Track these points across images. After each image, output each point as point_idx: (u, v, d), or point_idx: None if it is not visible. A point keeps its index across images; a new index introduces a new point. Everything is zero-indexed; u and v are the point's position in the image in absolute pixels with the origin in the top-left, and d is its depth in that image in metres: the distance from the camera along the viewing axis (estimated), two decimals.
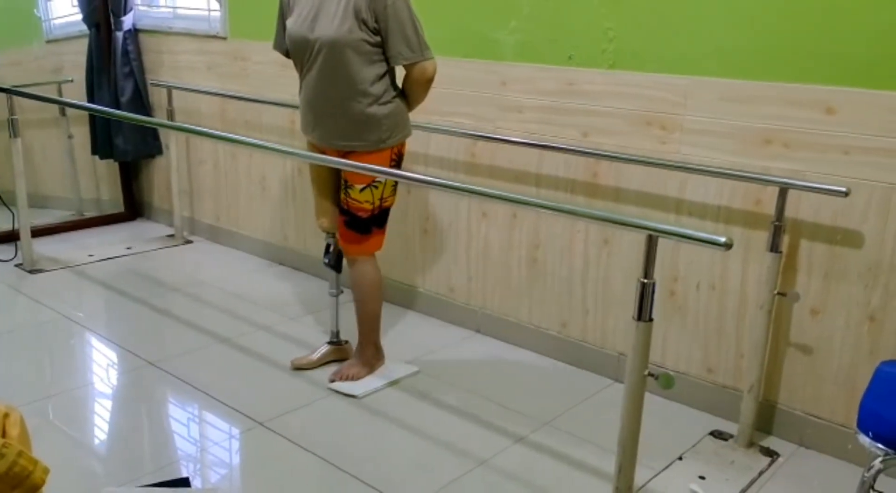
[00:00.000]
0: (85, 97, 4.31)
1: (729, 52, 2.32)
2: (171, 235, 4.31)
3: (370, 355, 2.73)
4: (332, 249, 2.71)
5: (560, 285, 2.87)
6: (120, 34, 4.17)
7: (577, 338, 2.86)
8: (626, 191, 2.62)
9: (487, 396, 2.64)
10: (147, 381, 2.71)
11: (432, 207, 3.19)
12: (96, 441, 2.35)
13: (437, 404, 2.59)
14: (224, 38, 3.87)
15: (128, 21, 4.18)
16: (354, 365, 2.71)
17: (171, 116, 4.08)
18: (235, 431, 2.41)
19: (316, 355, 2.81)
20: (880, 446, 1.45)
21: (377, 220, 2.55)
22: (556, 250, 2.85)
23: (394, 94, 2.44)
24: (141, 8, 4.29)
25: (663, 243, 1.64)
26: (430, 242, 3.24)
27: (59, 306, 3.32)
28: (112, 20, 4.17)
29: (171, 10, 4.21)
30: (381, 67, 2.38)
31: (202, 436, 2.40)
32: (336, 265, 2.73)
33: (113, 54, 4.21)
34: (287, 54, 2.56)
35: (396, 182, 2.56)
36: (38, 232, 4.01)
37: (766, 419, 2.44)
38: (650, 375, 1.65)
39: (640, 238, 1.65)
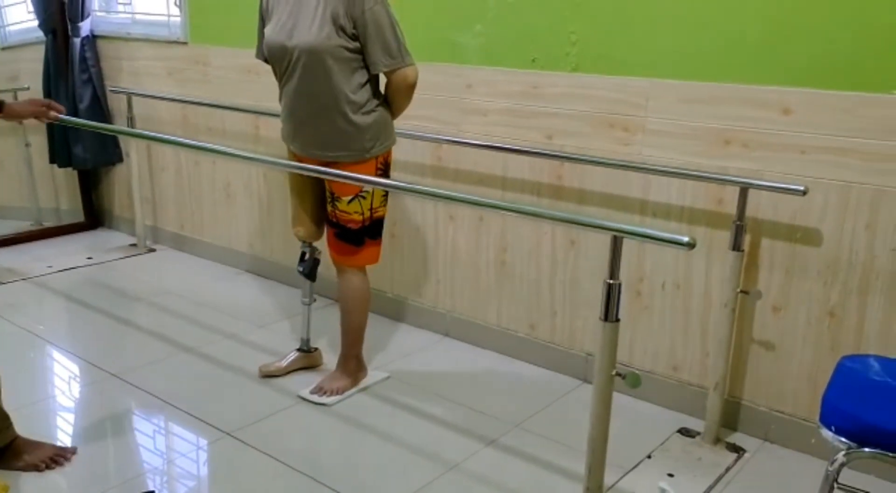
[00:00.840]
0: None
1: (688, 54, 2.36)
2: (134, 244, 4.24)
3: (353, 367, 2.68)
4: (307, 257, 2.68)
5: (528, 287, 2.88)
6: (77, 40, 4.10)
7: (545, 340, 2.88)
8: (591, 192, 2.65)
9: (457, 399, 2.63)
10: (110, 393, 2.66)
11: (400, 212, 3.18)
12: None
13: (408, 409, 2.58)
14: (185, 44, 3.82)
15: (85, 27, 4.11)
16: (337, 378, 2.65)
17: (131, 122, 4.02)
18: (203, 442, 2.38)
19: (285, 362, 2.78)
20: (843, 440, 1.48)
21: (370, 231, 2.50)
22: (523, 253, 2.86)
23: (377, 102, 2.39)
24: (99, 14, 4.22)
25: (628, 244, 1.65)
26: (398, 247, 3.23)
27: (17, 318, 3.24)
28: (69, 26, 4.09)
29: (129, 15, 4.15)
30: (362, 75, 2.33)
31: (168, 448, 2.37)
32: (310, 274, 2.70)
33: (70, 61, 4.13)
34: (268, 62, 2.49)
35: (387, 192, 2.51)
36: None
37: (732, 416, 2.47)
38: (618, 374, 1.67)
39: (605, 239, 1.67)
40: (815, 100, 2.16)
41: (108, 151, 4.32)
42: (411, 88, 2.38)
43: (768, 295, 2.34)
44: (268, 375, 2.75)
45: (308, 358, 2.82)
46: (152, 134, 3.32)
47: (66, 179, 4.49)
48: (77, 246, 4.24)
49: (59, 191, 4.55)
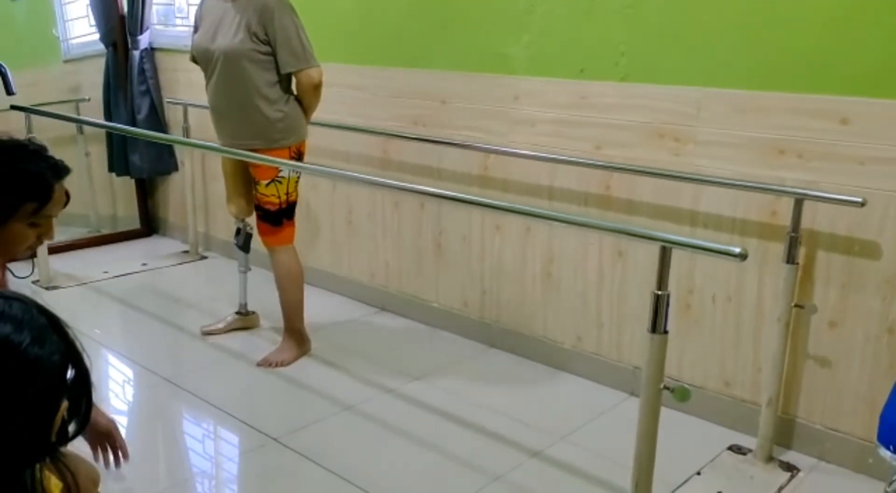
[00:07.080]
0: (102, 115, 4.37)
1: (741, 63, 2.32)
2: (186, 251, 4.34)
3: (296, 340, 2.95)
4: (241, 232, 3.06)
5: (574, 299, 2.85)
6: (137, 53, 4.23)
7: (592, 352, 2.85)
8: (640, 203, 2.61)
9: (502, 410, 2.62)
10: (162, 397, 2.72)
11: (445, 222, 3.19)
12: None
13: (452, 418, 2.58)
14: None
15: (144, 40, 4.23)
16: (282, 351, 2.92)
17: (186, 133, 4.12)
18: (250, 446, 2.41)
19: (223, 324, 3.19)
20: None
21: (286, 212, 2.83)
22: (570, 264, 2.84)
23: (287, 98, 2.71)
24: (157, 27, 4.35)
25: (678, 256, 1.63)
26: (444, 257, 3.24)
27: (74, 322, 3.28)
28: (129, 39, 4.23)
29: (187, 28, 4.26)
30: (273, 75, 2.66)
31: (217, 452, 2.41)
32: (244, 246, 3.10)
33: (129, 73, 4.26)
34: (196, 62, 2.81)
35: (298, 178, 2.84)
36: (54, 249, 4.03)
37: (786, 433, 2.41)
38: (666, 388, 1.64)
39: (654, 250, 1.64)
40: (873, 109, 2.10)
41: (164, 161, 4.43)
42: (317, 86, 2.70)
43: (824, 310, 2.27)
44: (208, 333, 3.15)
45: (245, 320, 3.24)
46: (206, 144, 3.39)
47: (124, 187, 4.63)
48: (132, 252, 4.36)
49: (116, 199, 4.69)
